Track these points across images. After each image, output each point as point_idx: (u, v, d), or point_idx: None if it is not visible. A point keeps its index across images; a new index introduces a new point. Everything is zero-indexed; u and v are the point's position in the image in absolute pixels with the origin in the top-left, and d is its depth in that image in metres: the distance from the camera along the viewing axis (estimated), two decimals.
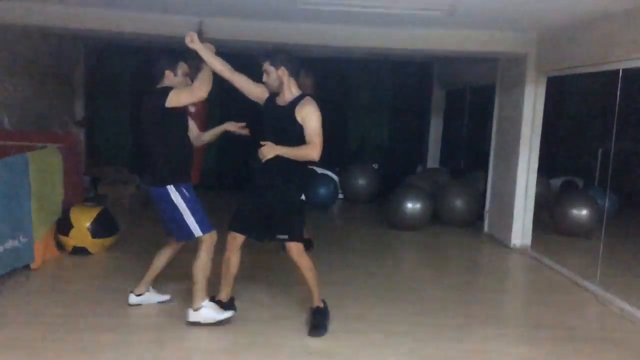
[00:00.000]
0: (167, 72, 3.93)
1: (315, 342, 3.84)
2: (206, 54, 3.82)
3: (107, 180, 8.22)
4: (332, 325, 4.13)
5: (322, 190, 8.64)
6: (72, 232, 5.45)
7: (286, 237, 3.96)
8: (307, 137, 3.81)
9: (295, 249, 3.98)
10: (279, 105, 3.89)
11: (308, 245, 6.02)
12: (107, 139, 9.86)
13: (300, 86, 4.02)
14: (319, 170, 9.14)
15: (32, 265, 4.97)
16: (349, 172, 9.27)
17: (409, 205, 7.24)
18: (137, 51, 9.25)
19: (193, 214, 3.90)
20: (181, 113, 3.96)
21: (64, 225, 5.47)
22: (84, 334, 3.78)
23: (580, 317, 4.64)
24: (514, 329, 4.29)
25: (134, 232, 6.50)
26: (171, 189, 3.88)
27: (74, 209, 5.57)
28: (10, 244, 4.60)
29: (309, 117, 3.80)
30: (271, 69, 3.82)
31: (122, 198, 7.92)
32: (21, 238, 4.77)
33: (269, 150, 3.75)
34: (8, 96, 6.61)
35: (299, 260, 4.00)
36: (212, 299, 4.20)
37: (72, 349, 3.57)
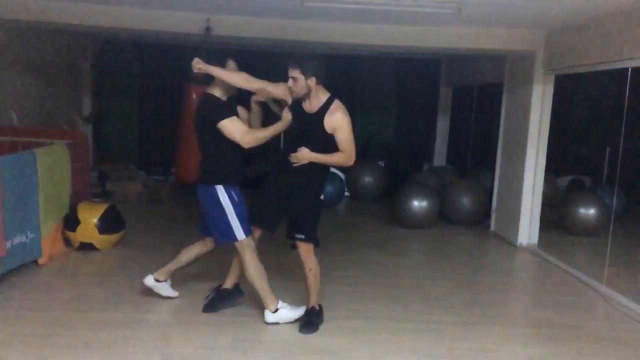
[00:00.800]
0: None
1: (320, 340, 3.84)
2: (219, 72, 3.80)
3: (114, 177, 8.25)
4: (337, 322, 4.13)
5: (329, 188, 8.63)
6: (79, 228, 5.48)
7: (302, 237, 3.97)
8: (340, 146, 3.79)
9: (305, 247, 3.99)
10: (307, 112, 3.83)
11: (315, 243, 6.04)
12: (115, 135, 9.90)
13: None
14: None
15: (40, 261, 5.00)
16: (355, 170, 9.24)
17: (416, 203, 7.23)
18: (145, 48, 9.29)
19: (238, 217, 3.90)
20: None
21: (71, 221, 5.50)
22: (89, 330, 3.80)
23: (586, 316, 4.61)
24: (520, 328, 4.27)
25: (140, 228, 6.53)
26: (220, 189, 3.89)
27: (81, 205, 5.60)
28: (18, 239, 4.63)
29: (340, 125, 3.76)
30: (301, 77, 3.70)
31: (129, 194, 7.95)
32: (29, 234, 4.80)
33: (303, 156, 3.75)
34: (16, 93, 6.65)
35: (306, 260, 4.00)
36: (218, 288, 4.24)
37: (78, 344, 3.59)
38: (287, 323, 4.01)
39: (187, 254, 4.26)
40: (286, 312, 4.03)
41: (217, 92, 3.92)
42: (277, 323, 4.01)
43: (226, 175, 3.92)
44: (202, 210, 4.08)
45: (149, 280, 4.28)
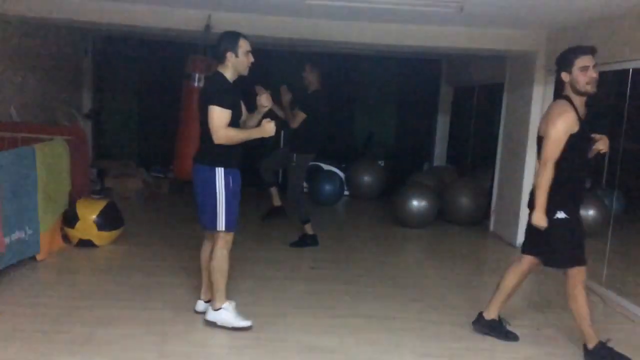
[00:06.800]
0: (229, 54, 3.71)
1: (318, 339, 3.84)
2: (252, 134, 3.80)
3: (113, 173, 8.24)
4: (336, 321, 4.13)
5: (328, 187, 8.64)
6: (78, 225, 5.47)
7: (558, 265, 3.76)
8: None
9: (571, 276, 3.65)
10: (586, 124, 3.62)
11: (313, 242, 6.04)
12: (114, 131, 9.88)
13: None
14: (325, 166, 9.14)
15: (38, 257, 4.99)
16: (355, 168, 9.26)
17: (415, 202, 7.23)
18: (145, 44, 9.27)
19: (227, 206, 3.74)
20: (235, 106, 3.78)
21: (70, 218, 5.49)
22: (88, 327, 3.79)
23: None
24: (518, 328, 4.25)
25: (139, 225, 6.52)
26: (219, 171, 3.72)
27: (80, 202, 5.59)
28: (16, 235, 4.62)
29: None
30: None
31: (129, 191, 7.94)
32: (27, 230, 4.79)
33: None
34: (16, 88, 6.63)
35: (571, 293, 3.70)
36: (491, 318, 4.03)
37: (76, 341, 3.58)
38: (223, 327, 3.85)
39: (205, 257, 4.04)
40: (227, 316, 3.85)
41: (228, 73, 3.76)
42: (214, 323, 3.86)
43: (227, 158, 3.75)
44: (194, 195, 3.88)
45: (201, 306, 4.10)
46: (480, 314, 4.06)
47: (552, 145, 3.51)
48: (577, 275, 3.64)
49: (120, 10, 5.88)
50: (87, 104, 9.06)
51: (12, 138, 5.54)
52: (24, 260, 4.82)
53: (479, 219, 7.61)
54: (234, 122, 3.74)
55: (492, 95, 8.46)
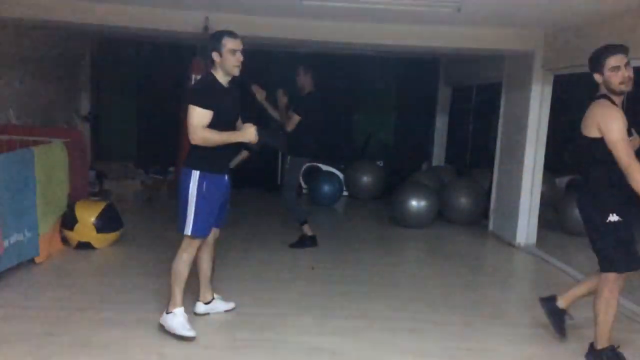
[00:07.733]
0: (214, 54, 3.59)
1: (318, 340, 3.83)
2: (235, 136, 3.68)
3: (112, 176, 8.24)
4: (336, 322, 4.13)
5: (327, 187, 8.64)
6: (77, 227, 5.47)
7: (599, 267, 3.57)
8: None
9: (603, 279, 3.54)
10: None
11: (312, 243, 6.04)
12: (113, 133, 9.88)
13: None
14: (324, 167, 9.15)
15: (37, 259, 4.99)
16: (354, 169, 9.26)
17: (414, 202, 7.23)
18: (143, 46, 9.27)
19: (197, 211, 3.65)
20: (223, 107, 3.67)
21: (69, 220, 5.48)
22: (87, 329, 3.79)
23: (585, 316, 4.60)
24: (519, 328, 4.26)
25: (138, 227, 6.51)
26: (194, 174, 3.62)
27: (79, 204, 5.58)
28: (15, 237, 4.61)
29: None
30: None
31: (127, 193, 7.94)
32: (26, 232, 4.78)
33: None
34: (14, 91, 6.63)
35: (606, 296, 3.55)
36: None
37: (75, 343, 3.58)
38: (169, 332, 3.73)
39: (202, 261, 4.05)
40: (174, 322, 3.71)
41: (218, 74, 3.66)
42: (162, 326, 3.78)
43: (205, 161, 3.65)
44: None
45: (200, 308, 4.09)
46: (555, 297, 3.97)
47: (621, 147, 3.32)
48: (618, 279, 3.54)
49: (118, 12, 5.88)
50: (85, 106, 9.06)
51: (11, 140, 5.54)
52: (22, 262, 4.82)
53: (477, 219, 7.61)
54: (219, 124, 3.60)
55: (490, 94, 8.47)
